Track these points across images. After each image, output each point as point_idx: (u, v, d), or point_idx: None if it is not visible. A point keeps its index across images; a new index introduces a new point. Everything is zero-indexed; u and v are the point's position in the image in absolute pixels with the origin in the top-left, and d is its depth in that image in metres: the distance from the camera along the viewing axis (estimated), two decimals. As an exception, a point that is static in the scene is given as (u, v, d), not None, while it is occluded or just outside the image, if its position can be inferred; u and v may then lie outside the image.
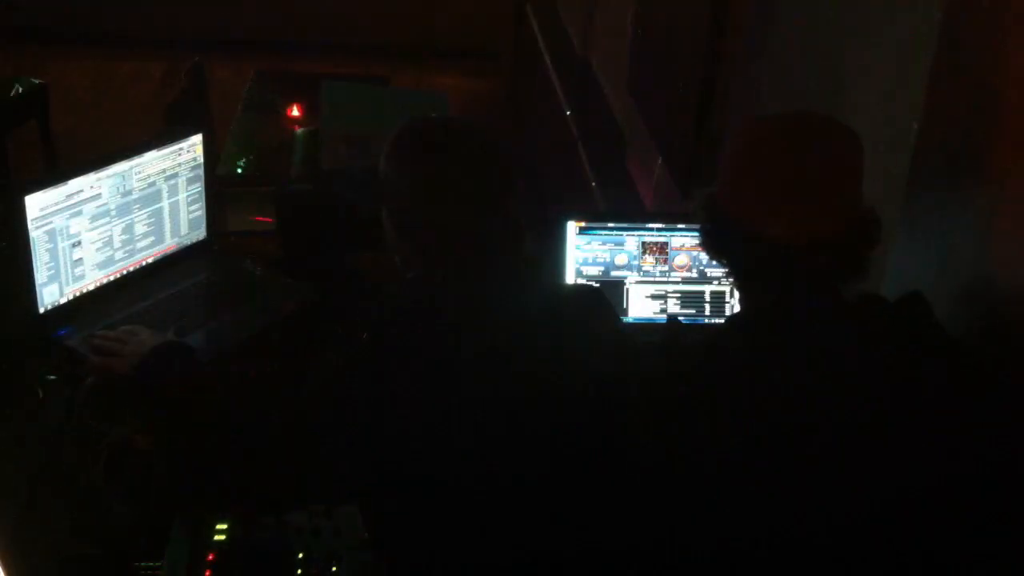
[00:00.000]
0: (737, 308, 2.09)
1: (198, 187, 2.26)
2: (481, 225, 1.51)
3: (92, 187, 2.02)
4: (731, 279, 1.56)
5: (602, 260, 2.14)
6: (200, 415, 1.60)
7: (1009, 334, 1.50)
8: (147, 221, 2.16)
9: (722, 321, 2.13)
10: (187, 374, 1.67)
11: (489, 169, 1.53)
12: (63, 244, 1.99)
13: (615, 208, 3.40)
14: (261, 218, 2.60)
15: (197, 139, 2.23)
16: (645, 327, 2.12)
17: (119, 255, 2.13)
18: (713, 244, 1.51)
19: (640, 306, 2.14)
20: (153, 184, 2.15)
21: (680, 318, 2.12)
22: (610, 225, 2.14)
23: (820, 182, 1.39)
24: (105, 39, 5.88)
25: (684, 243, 2.13)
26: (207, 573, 1.56)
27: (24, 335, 2.01)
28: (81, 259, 2.04)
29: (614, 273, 2.14)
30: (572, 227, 2.13)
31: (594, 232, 2.13)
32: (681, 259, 2.14)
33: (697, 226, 1.52)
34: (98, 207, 2.04)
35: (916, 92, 1.66)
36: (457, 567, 1.51)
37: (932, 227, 1.67)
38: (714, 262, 1.57)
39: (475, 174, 1.51)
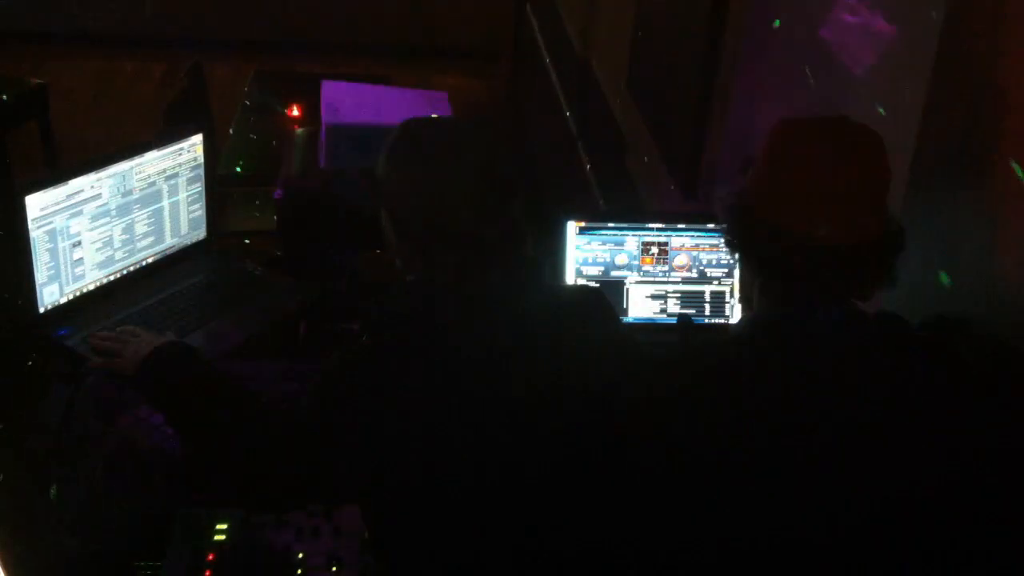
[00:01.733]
0: (737, 308, 2.09)
1: (198, 187, 2.26)
2: (482, 228, 1.50)
3: (92, 187, 2.02)
4: (757, 277, 1.52)
5: (602, 260, 2.13)
6: (201, 415, 1.60)
7: (1009, 334, 1.50)
8: (147, 221, 2.16)
9: (723, 321, 2.13)
10: (188, 374, 1.67)
11: (490, 171, 1.51)
12: (63, 244, 1.99)
13: (615, 208, 3.40)
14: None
15: (197, 139, 2.23)
16: (645, 327, 2.13)
17: (119, 255, 2.13)
18: (741, 245, 1.49)
19: (640, 306, 2.14)
20: (153, 184, 2.15)
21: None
22: (610, 225, 2.14)
23: (865, 187, 1.39)
24: (105, 39, 5.88)
25: (684, 243, 2.13)
26: (207, 573, 1.56)
27: (24, 335, 2.01)
28: (81, 259, 2.04)
29: (614, 273, 2.14)
30: (572, 227, 2.13)
31: (594, 232, 2.13)
32: (681, 259, 2.14)
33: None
34: (98, 207, 2.04)
35: (916, 92, 1.66)
36: (457, 567, 1.51)
37: (932, 227, 1.66)
38: (734, 260, 1.54)
39: (475, 176, 1.50)
